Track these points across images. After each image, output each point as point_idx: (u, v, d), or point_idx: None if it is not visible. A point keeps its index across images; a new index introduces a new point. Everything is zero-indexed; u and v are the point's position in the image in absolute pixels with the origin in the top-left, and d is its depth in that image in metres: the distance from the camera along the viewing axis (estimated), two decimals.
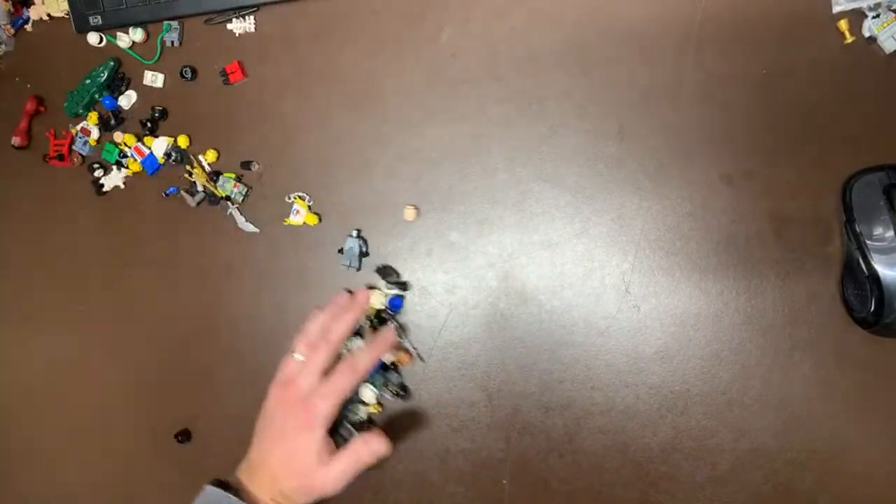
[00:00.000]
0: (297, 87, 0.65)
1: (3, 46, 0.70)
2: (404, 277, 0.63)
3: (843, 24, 0.56)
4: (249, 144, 0.66)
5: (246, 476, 0.56)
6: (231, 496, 0.54)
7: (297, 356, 0.57)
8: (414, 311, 0.63)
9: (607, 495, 0.59)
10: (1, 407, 0.72)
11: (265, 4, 0.64)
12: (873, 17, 0.55)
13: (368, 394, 0.61)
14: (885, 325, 0.54)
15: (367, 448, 0.55)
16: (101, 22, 0.67)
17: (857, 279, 0.55)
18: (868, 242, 0.53)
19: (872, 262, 0.53)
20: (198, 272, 0.67)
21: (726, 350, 0.58)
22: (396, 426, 0.62)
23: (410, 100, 0.63)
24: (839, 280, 0.56)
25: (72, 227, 0.70)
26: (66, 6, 0.68)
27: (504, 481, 0.61)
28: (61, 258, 0.70)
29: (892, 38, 0.54)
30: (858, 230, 0.54)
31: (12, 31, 0.70)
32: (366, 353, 0.57)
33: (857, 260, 0.54)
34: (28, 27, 0.70)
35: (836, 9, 0.56)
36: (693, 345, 0.58)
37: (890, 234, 0.53)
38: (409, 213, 0.62)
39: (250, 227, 0.65)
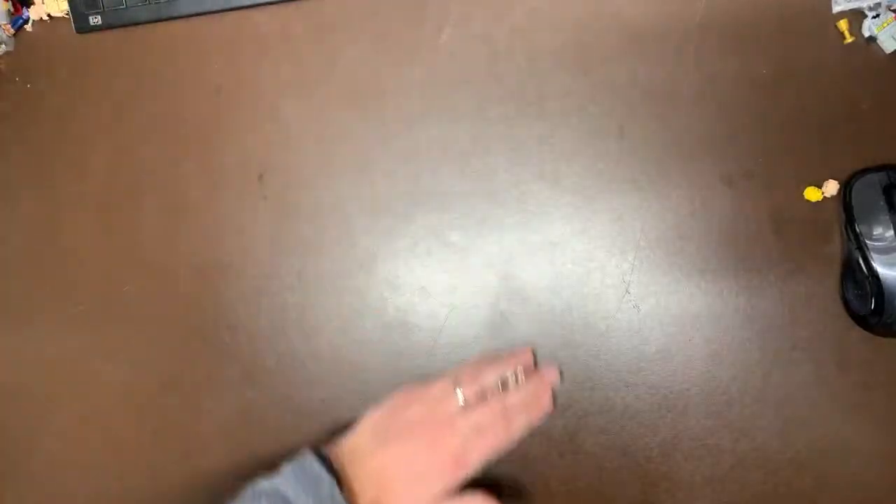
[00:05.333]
0: (297, 87, 0.65)
1: (3, 46, 0.69)
2: (405, 277, 0.63)
3: (843, 24, 0.56)
4: (249, 144, 0.66)
5: (349, 462, 0.53)
6: (332, 479, 0.50)
7: (460, 397, 0.53)
8: (414, 311, 0.63)
9: (607, 495, 0.59)
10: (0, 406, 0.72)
11: (265, 4, 0.64)
12: (873, 17, 0.55)
13: None
14: (885, 324, 0.54)
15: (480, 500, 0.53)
16: (101, 22, 0.67)
17: (857, 279, 0.55)
18: (868, 242, 0.53)
19: (872, 262, 0.53)
20: (198, 272, 0.67)
21: (726, 350, 0.58)
22: None
23: (410, 100, 0.63)
24: (839, 280, 0.56)
25: (72, 227, 0.70)
26: (66, 6, 0.68)
27: (504, 481, 0.61)
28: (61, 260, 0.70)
29: (892, 38, 0.55)
30: (858, 230, 0.54)
31: (12, 31, 0.69)
32: (524, 416, 0.54)
33: (857, 260, 0.54)
34: (28, 27, 0.70)
35: (836, 9, 0.56)
36: (693, 345, 0.58)
37: (890, 234, 0.53)
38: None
39: None
